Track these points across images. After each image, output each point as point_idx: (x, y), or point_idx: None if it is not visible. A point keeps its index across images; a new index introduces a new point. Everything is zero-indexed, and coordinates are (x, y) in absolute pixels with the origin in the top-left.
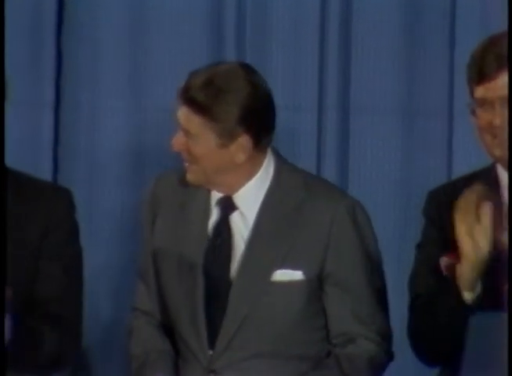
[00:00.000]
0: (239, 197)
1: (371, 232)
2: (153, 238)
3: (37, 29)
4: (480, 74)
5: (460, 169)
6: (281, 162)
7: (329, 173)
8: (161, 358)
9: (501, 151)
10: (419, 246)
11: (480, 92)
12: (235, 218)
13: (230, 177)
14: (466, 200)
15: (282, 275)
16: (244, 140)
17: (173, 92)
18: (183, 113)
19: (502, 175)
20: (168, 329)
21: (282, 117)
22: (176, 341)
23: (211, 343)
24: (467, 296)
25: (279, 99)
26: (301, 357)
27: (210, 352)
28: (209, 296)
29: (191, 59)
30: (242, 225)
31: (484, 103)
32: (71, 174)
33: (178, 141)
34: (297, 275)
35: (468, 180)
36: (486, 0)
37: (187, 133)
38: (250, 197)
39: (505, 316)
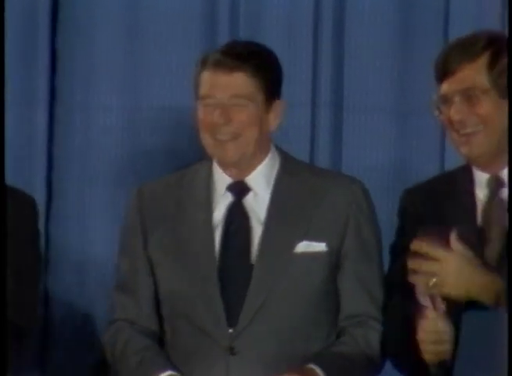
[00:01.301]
0: (251, 180)
1: (375, 214)
2: (150, 239)
3: (31, 27)
4: (442, 70)
5: (453, 167)
6: (284, 154)
7: None
8: (160, 355)
9: (467, 148)
10: (392, 247)
11: (442, 88)
12: (249, 202)
13: (255, 153)
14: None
15: (305, 246)
16: (278, 104)
17: (167, 91)
18: (236, 79)
19: (477, 173)
20: (154, 335)
21: None
22: (181, 333)
23: (230, 322)
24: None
25: None
26: (316, 338)
27: (230, 330)
28: (224, 277)
29: (185, 59)
30: (257, 208)
31: (445, 99)
32: (65, 172)
33: (226, 113)
34: (320, 246)
35: (444, 179)
36: None
37: (240, 100)
38: (262, 178)
39: (497, 314)
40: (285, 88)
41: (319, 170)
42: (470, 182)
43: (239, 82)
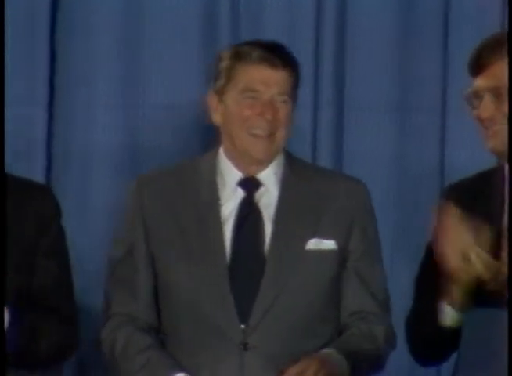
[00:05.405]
0: (263, 176)
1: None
2: (153, 233)
3: (31, 27)
4: (476, 65)
5: (453, 165)
6: (287, 152)
7: None
8: (166, 355)
9: (493, 142)
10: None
11: (475, 83)
12: (259, 198)
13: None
14: (450, 218)
15: (316, 243)
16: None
17: (167, 89)
18: (282, 76)
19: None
20: (154, 331)
21: None
22: (187, 328)
23: (242, 318)
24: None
25: None
26: (323, 335)
27: (242, 326)
28: (235, 274)
29: (185, 57)
30: (268, 204)
31: (477, 95)
32: (65, 171)
33: (275, 110)
34: (330, 244)
35: (484, 177)
36: None
37: (284, 97)
38: (273, 176)
39: (499, 312)
40: None
41: (324, 171)
42: (503, 181)
43: (284, 79)
